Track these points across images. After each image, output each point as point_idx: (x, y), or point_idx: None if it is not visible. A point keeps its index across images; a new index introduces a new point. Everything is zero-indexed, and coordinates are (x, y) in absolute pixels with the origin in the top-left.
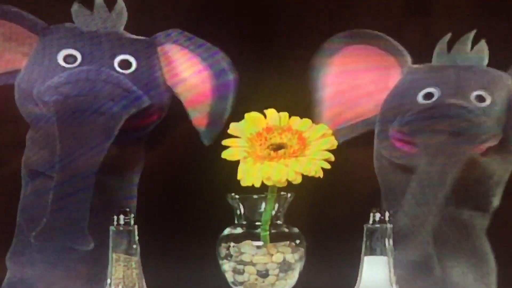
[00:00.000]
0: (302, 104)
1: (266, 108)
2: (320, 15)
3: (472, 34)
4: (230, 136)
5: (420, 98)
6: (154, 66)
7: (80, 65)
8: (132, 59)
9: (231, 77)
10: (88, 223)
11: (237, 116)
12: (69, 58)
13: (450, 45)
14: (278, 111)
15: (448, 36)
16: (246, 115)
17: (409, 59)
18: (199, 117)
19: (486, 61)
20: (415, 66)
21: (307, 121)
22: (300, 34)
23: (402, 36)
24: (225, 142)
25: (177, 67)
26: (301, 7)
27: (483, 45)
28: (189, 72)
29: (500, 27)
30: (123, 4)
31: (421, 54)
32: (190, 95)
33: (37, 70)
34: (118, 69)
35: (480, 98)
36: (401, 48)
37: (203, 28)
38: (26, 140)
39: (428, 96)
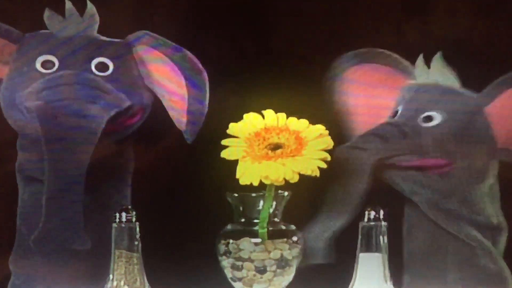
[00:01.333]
0: (299, 105)
1: (264, 109)
2: (318, 15)
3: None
4: (229, 136)
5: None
6: (131, 67)
7: (58, 70)
8: (108, 62)
9: (203, 74)
10: (83, 224)
11: (236, 116)
12: (47, 64)
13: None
14: (276, 112)
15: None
16: (244, 115)
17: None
18: (178, 116)
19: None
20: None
21: (304, 121)
22: (298, 35)
23: (401, 37)
24: (224, 142)
25: (151, 68)
26: (300, 8)
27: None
28: (162, 72)
29: (498, 28)
30: (94, 8)
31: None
32: (166, 95)
33: (17, 78)
34: (95, 72)
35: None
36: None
37: (201, 32)
38: (16, 147)
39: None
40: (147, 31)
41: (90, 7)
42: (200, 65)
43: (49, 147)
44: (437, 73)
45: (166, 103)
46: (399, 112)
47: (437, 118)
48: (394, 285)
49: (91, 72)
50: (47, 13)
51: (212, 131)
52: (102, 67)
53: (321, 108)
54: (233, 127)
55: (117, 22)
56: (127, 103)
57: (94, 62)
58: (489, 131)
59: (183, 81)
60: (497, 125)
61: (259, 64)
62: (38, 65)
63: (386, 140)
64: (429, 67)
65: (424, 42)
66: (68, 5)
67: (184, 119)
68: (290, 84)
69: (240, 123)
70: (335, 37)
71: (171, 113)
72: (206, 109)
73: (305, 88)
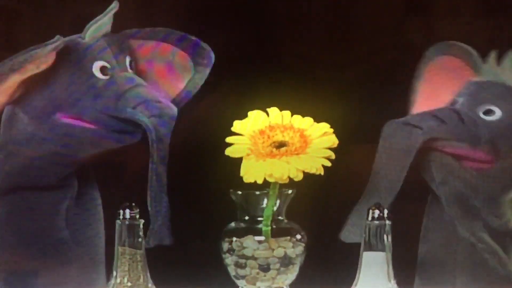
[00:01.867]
0: (304, 103)
1: (268, 107)
2: (322, 13)
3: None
4: (234, 133)
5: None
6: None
7: (112, 73)
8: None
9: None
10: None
11: (241, 114)
12: (103, 70)
13: None
14: (281, 109)
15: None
16: (249, 113)
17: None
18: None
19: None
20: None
21: (308, 119)
22: (302, 32)
23: (403, 37)
24: (228, 139)
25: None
26: (302, 6)
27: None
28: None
29: (501, 28)
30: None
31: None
32: (161, 68)
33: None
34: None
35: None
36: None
37: (203, 28)
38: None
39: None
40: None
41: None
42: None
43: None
44: (506, 73)
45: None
46: (460, 102)
47: (498, 113)
48: (399, 283)
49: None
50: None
51: (217, 128)
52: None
53: (325, 106)
54: (237, 125)
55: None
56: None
57: (127, 60)
58: None
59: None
60: None
61: (263, 62)
62: (96, 71)
63: (443, 122)
64: (498, 65)
65: (426, 42)
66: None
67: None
68: (294, 83)
69: (244, 121)
70: (337, 35)
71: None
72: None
73: (308, 87)
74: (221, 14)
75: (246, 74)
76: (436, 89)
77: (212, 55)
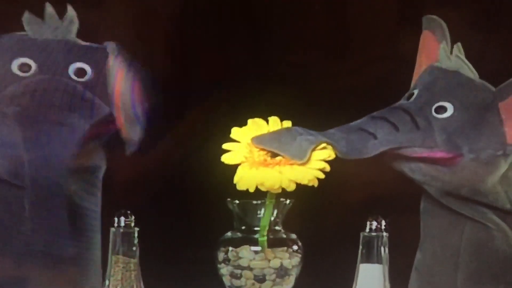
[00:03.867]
0: (299, 112)
1: (264, 115)
2: (318, 23)
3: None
4: (231, 141)
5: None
6: (107, 73)
7: (35, 74)
8: (87, 67)
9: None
10: (68, 230)
11: (236, 122)
12: (24, 67)
13: None
14: (282, 120)
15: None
16: (249, 120)
17: None
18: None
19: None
20: None
21: None
22: (298, 42)
23: (397, 46)
24: (225, 145)
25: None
26: (296, 14)
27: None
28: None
29: (493, 37)
30: (74, 12)
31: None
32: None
33: None
34: (73, 77)
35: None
36: None
37: (199, 38)
38: None
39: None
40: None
41: (70, 11)
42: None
43: (30, 154)
44: (458, 61)
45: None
46: (414, 95)
47: (450, 109)
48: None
49: (69, 77)
50: (26, 16)
51: (213, 136)
52: (80, 72)
53: (320, 115)
54: (235, 132)
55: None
56: (106, 110)
57: (72, 67)
58: (500, 127)
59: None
60: (508, 121)
61: (258, 72)
62: (14, 68)
63: (397, 129)
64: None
65: None
66: (49, 9)
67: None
68: (289, 92)
69: (243, 128)
70: (332, 45)
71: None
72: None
73: (304, 96)
74: (217, 24)
75: (242, 83)
76: (418, 66)
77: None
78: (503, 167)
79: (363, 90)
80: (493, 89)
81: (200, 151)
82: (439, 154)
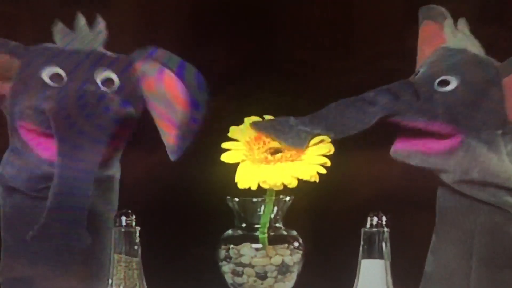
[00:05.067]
0: (305, 110)
1: (269, 113)
2: (323, 20)
3: None
4: (231, 139)
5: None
6: (134, 82)
7: (66, 83)
8: (114, 77)
9: (203, 96)
10: (85, 223)
11: (238, 120)
12: (55, 77)
13: None
14: (278, 115)
15: None
16: (246, 119)
17: None
18: (167, 134)
19: None
20: None
21: None
22: (301, 38)
23: (404, 42)
24: (224, 145)
25: (151, 83)
26: (301, 11)
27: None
28: (161, 88)
29: (500, 34)
30: (103, 23)
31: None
32: (162, 112)
33: (22, 91)
34: (101, 87)
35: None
36: None
37: (204, 35)
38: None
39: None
40: (155, 47)
41: (99, 21)
42: (204, 83)
43: (61, 147)
44: (464, 38)
45: (159, 118)
46: (420, 72)
47: (453, 83)
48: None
49: (98, 87)
50: (59, 26)
51: (214, 134)
52: (108, 82)
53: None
54: (233, 130)
55: (118, 31)
56: (135, 114)
57: (101, 76)
58: (502, 103)
59: (185, 99)
60: (510, 98)
61: (263, 69)
62: (46, 78)
63: (397, 97)
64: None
65: None
66: (81, 20)
67: (173, 138)
68: (295, 89)
69: (241, 127)
70: (337, 42)
71: (161, 130)
72: (198, 128)
73: (309, 94)
74: (223, 22)
75: (246, 80)
76: (421, 56)
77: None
78: (503, 148)
79: (369, 87)
80: (498, 64)
81: (201, 150)
82: (436, 126)
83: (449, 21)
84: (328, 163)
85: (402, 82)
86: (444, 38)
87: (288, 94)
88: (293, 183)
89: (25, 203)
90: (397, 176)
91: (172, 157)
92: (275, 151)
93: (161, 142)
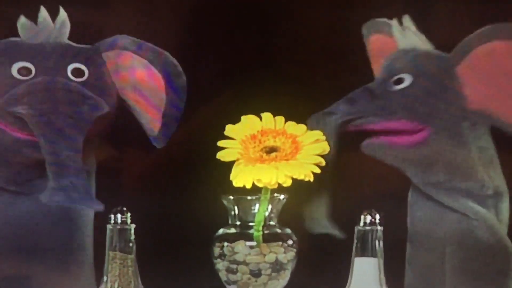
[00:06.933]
0: (303, 111)
1: (274, 114)
2: (317, 18)
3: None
4: (227, 137)
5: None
6: (103, 73)
7: (35, 76)
8: (83, 67)
9: (182, 78)
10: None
11: (234, 119)
12: (23, 71)
13: None
14: (276, 116)
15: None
16: (242, 117)
17: None
18: (150, 120)
19: None
20: None
21: (302, 126)
22: (302, 40)
23: None
24: (220, 143)
25: (125, 73)
26: (300, 10)
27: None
28: (139, 76)
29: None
30: (65, 14)
31: None
32: (141, 99)
33: None
34: (72, 77)
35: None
36: None
37: (203, 35)
38: None
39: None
40: (120, 35)
41: (62, 14)
42: (180, 68)
43: (47, 147)
44: (412, 36)
45: (139, 108)
46: (376, 78)
47: (408, 79)
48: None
49: (68, 78)
50: (22, 20)
51: (209, 132)
52: (77, 73)
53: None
54: (229, 129)
55: (115, 32)
56: (106, 109)
57: (70, 68)
58: (460, 92)
59: (162, 84)
60: (467, 85)
61: (258, 68)
62: (14, 72)
63: (353, 102)
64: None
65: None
66: (43, 13)
67: (158, 124)
68: (293, 90)
69: (237, 125)
70: (336, 42)
71: (144, 118)
72: (181, 115)
73: (307, 94)
74: (223, 22)
75: (245, 81)
76: (375, 65)
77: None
78: (471, 139)
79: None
80: (446, 55)
81: (198, 148)
82: (398, 123)
83: (395, 24)
84: (323, 163)
85: (359, 88)
86: (394, 45)
87: (287, 95)
88: (287, 182)
89: (17, 201)
90: (391, 175)
91: (158, 145)
92: (271, 150)
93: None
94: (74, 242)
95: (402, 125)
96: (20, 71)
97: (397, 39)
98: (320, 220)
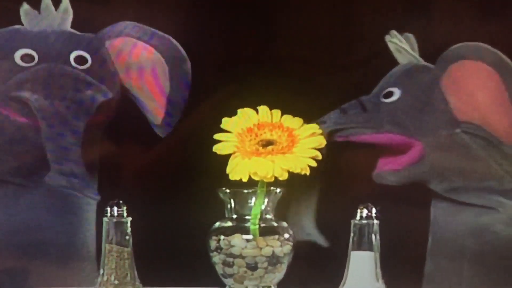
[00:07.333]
0: (305, 107)
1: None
2: (320, 17)
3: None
4: (223, 130)
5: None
6: (106, 60)
7: (38, 63)
8: (86, 55)
9: (187, 65)
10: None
11: (234, 112)
12: (26, 58)
13: None
14: (272, 109)
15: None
16: (239, 110)
17: None
18: (157, 108)
19: None
20: None
21: (298, 119)
22: (299, 37)
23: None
24: (216, 136)
25: (128, 59)
26: (303, 9)
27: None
28: (141, 62)
29: (499, 30)
30: (68, 3)
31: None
32: (146, 86)
33: None
34: (75, 65)
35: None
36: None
37: (204, 31)
38: None
39: None
40: (123, 22)
41: (64, 2)
42: (184, 53)
43: (49, 132)
44: (407, 51)
45: (143, 96)
46: (372, 92)
47: (397, 93)
48: (387, 283)
49: (71, 65)
50: (24, 7)
51: (208, 126)
52: (80, 60)
53: (319, 110)
54: (226, 122)
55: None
56: (110, 95)
57: (73, 55)
58: (447, 103)
59: (165, 71)
60: (451, 97)
61: (262, 65)
62: (17, 59)
63: (344, 112)
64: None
65: (426, 46)
66: (46, 0)
67: (162, 111)
68: (294, 86)
69: (233, 118)
70: (336, 40)
71: (148, 105)
72: (185, 102)
73: (305, 91)
74: (223, 19)
75: (246, 77)
76: None
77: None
78: (472, 141)
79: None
80: (432, 67)
81: (196, 143)
82: (386, 137)
83: (393, 42)
84: (319, 156)
85: (354, 100)
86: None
87: (288, 91)
88: (283, 176)
89: (17, 194)
90: None
91: (161, 133)
92: (267, 143)
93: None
94: (76, 237)
95: (388, 139)
96: (23, 58)
97: (395, 55)
98: (306, 227)
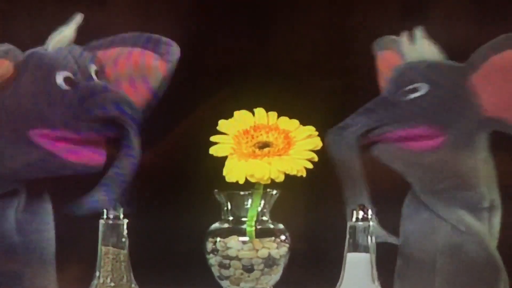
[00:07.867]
0: (302, 110)
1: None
2: (315, 18)
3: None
4: (220, 132)
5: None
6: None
7: (76, 83)
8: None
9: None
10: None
11: (231, 115)
12: (67, 80)
13: None
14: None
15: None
16: (235, 112)
17: None
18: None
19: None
20: None
21: (295, 121)
22: (296, 38)
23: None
24: (213, 138)
25: (115, 67)
26: (298, 9)
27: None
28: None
29: (496, 32)
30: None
31: None
32: (136, 82)
33: (33, 98)
34: (94, 77)
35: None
36: None
37: (207, 31)
38: None
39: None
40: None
41: (78, 18)
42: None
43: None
44: (422, 49)
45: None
46: (386, 89)
47: (422, 89)
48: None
49: (93, 79)
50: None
51: (203, 128)
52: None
53: (316, 113)
54: (222, 124)
55: (116, 24)
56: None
57: (93, 69)
58: (475, 100)
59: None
60: (484, 93)
61: (259, 68)
62: (60, 82)
63: (372, 111)
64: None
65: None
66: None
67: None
68: (291, 89)
69: (230, 120)
70: (333, 42)
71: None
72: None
73: (302, 94)
74: (219, 20)
75: (244, 80)
76: (381, 78)
77: (173, 49)
78: (483, 148)
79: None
80: (461, 65)
81: (192, 145)
82: (419, 129)
83: (402, 39)
84: (316, 158)
85: (375, 99)
86: (400, 59)
87: (286, 93)
88: (280, 178)
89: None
90: (385, 171)
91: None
92: (263, 145)
93: (151, 135)
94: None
95: (421, 131)
96: (64, 80)
97: (404, 52)
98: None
